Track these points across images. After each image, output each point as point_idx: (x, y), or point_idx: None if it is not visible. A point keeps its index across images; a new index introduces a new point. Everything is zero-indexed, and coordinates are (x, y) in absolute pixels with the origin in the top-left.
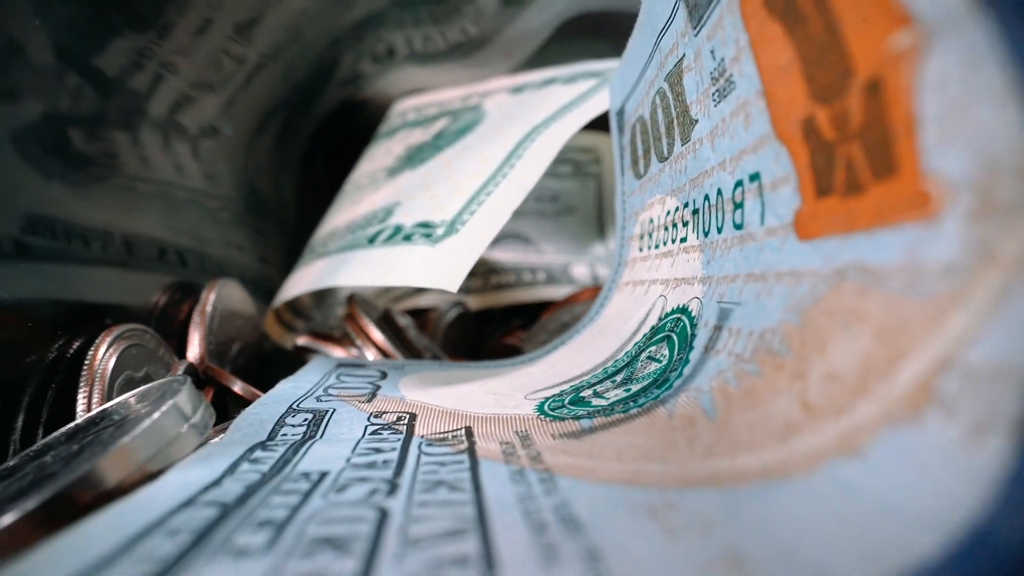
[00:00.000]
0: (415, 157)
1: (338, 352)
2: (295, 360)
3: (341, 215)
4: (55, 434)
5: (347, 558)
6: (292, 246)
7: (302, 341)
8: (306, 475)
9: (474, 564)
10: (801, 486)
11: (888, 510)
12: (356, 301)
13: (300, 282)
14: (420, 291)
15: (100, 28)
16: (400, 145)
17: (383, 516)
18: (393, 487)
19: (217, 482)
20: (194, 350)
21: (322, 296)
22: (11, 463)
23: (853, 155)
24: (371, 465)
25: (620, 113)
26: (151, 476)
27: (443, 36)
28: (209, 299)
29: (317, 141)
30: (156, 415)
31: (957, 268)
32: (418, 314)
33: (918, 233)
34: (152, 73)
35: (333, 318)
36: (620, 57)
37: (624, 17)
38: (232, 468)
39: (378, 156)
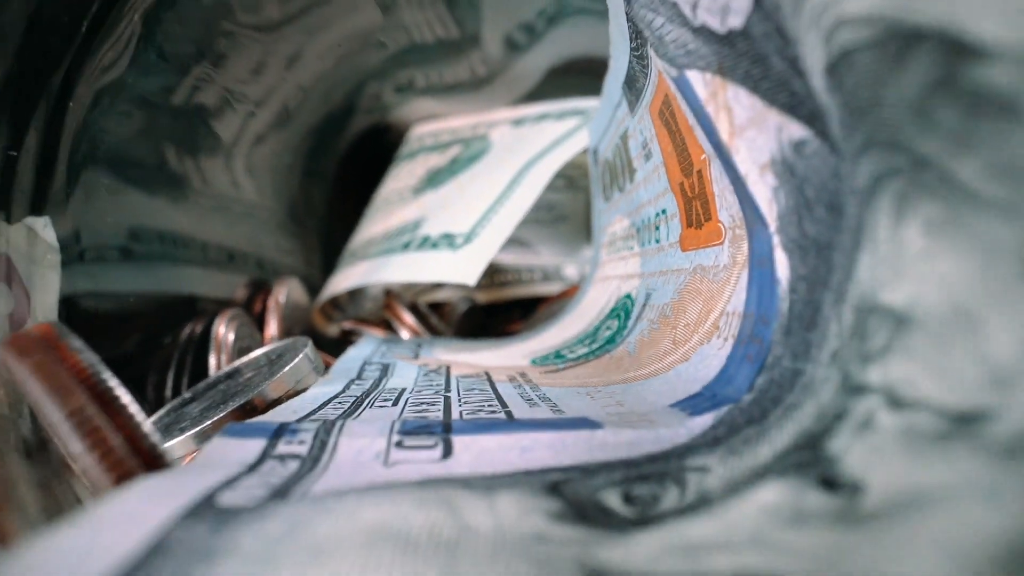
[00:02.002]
0: (434, 179)
1: (378, 333)
2: (337, 343)
3: (376, 225)
4: (211, 379)
5: (436, 407)
6: (327, 250)
7: (348, 325)
8: (393, 389)
9: (496, 405)
10: (661, 377)
11: (688, 378)
12: (392, 294)
13: (346, 280)
14: (437, 287)
15: (176, 72)
16: (421, 167)
17: (447, 399)
18: (447, 390)
19: (344, 390)
20: (272, 330)
21: (355, 293)
22: (187, 395)
23: (697, 207)
24: (429, 386)
25: (595, 151)
26: (297, 392)
27: (455, 73)
28: (281, 292)
29: (346, 160)
30: (297, 359)
31: (727, 266)
32: (436, 307)
33: (717, 249)
34: (224, 104)
35: (363, 310)
36: (600, 94)
37: (605, 63)
38: (347, 387)
39: (402, 176)
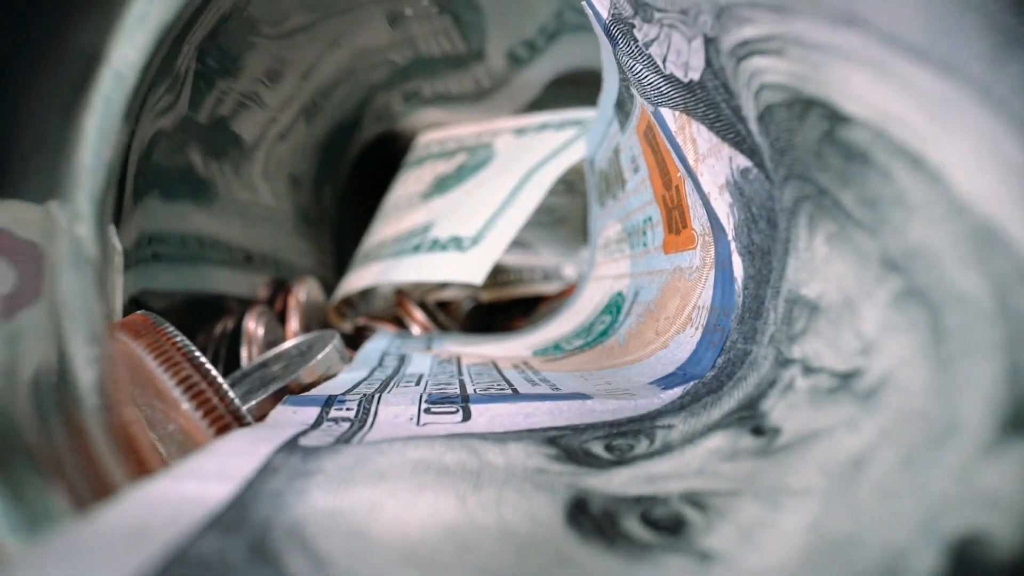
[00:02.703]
0: (442, 186)
1: (390, 329)
2: (350, 338)
3: (387, 228)
4: (246, 368)
5: (453, 387)
6: (339, 252)
7: (362, 321)
8: (413, 374)
9: (504, 385)
10: (644, 362)
11: (666, 362)
12: (403, 293)
13: (361, 279)
14: (444, 286)
15: (208, 85)
16: (429, 174)
17: (461, 381)
18: (460, 375)
19: (369, 376)
20: (293, 326)
21: (366, 292)
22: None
23: (676, 216)
24: (444, 371)
25: (591, 161)
26: (327, 378)
27: (460, 85)
28: (301, 291)
29: (356, 166)
30: (328, 349)
31: (699, 267)
32: (442, 306)
33: (691, 253)
34: (248, 112)
35: (374, 308)
36: (595, 104)
37: (600, 76)
38: (371, 373)
39: (411, 181)
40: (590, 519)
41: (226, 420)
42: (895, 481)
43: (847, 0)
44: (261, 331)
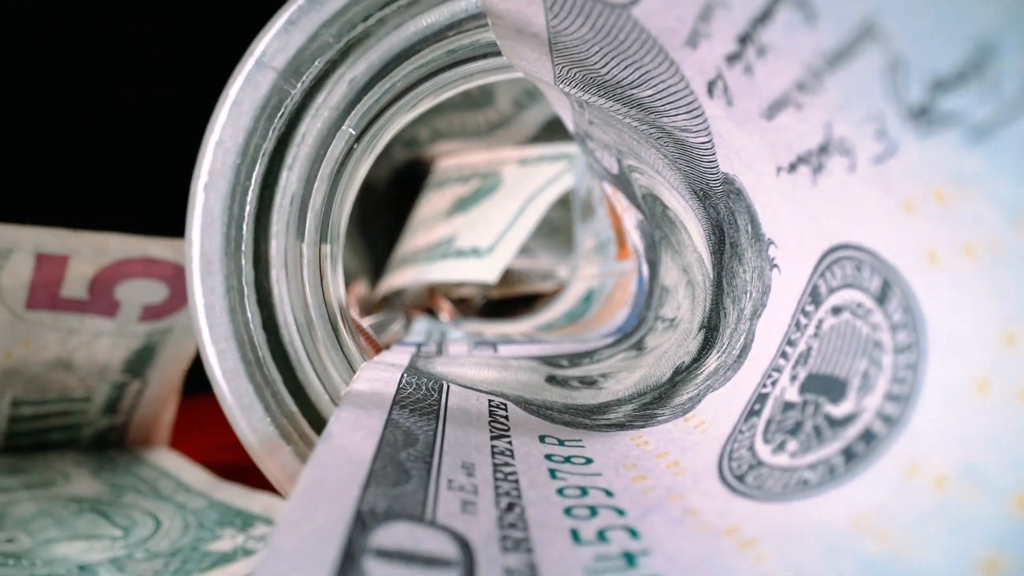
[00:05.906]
0: (462, 206)
1: (423, 316)
2: None
3: (418, 239)
4: None
5: (487, 346)
6: (373, 256)
7: (400, 310)
8: (455, 338)
9: (515, 340)
10: (599, 328)
11: (611, 325)
12: (434, 289)
13: (399, 279)
14: (462, 285)
15: None
16: (450, 195)
17: (487, 340)
18: (484, 338)
19: (426, 340)
20: (353, 314)
21: (399, 291)
22: None
23: (621, 237)
24: (475, 338)
25: (576, 191)
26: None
27: (474, 122)
28: (359, 287)
29: (387, 185)
30: (397, 324)
31: (631, 270)
32: (460, 301)
33: (629, 261)
34: None
35: (403, 303)
36: None
37: None
38: (426, 339)
39: (434, 200)
40: (555, 381)
41: (380, 347)
42: (671, 354)
43: (654, 162)
44: None
